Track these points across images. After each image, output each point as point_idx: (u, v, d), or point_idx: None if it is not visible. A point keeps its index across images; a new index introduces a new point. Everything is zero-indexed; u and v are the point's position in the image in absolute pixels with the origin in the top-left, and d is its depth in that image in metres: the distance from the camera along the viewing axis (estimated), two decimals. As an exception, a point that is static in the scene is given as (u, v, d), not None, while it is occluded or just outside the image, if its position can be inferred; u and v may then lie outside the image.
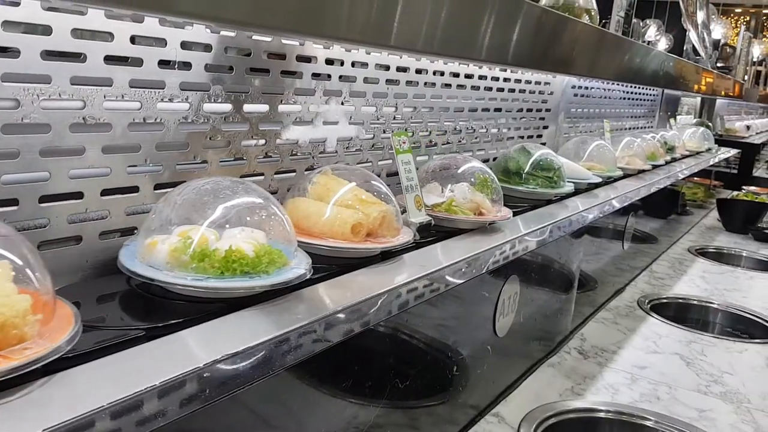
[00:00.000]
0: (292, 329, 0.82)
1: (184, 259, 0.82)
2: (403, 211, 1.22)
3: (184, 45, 0.99)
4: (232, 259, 0.83)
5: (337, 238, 1.05)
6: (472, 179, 1.46)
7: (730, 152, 4.25)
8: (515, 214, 1.56)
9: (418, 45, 0.95)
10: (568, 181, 1.90)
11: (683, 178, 3.07)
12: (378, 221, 1.08)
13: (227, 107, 1.08)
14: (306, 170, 1.28)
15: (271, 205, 0.94)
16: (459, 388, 1.21)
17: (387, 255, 1.12)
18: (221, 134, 1.07)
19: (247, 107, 1.11)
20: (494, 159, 2.02)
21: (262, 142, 1.16)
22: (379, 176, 1.51)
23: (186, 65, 1.00)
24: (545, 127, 2.43)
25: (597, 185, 2.14)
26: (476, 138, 1.97)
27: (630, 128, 3.45)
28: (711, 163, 3.64)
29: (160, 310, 0.83)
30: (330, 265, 1.02)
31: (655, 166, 2.85)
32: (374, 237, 1.09)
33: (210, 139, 1.06)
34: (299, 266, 0.90)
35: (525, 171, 1.79)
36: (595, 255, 2.06)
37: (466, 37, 1.08)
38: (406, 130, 1.62)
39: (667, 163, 3.06)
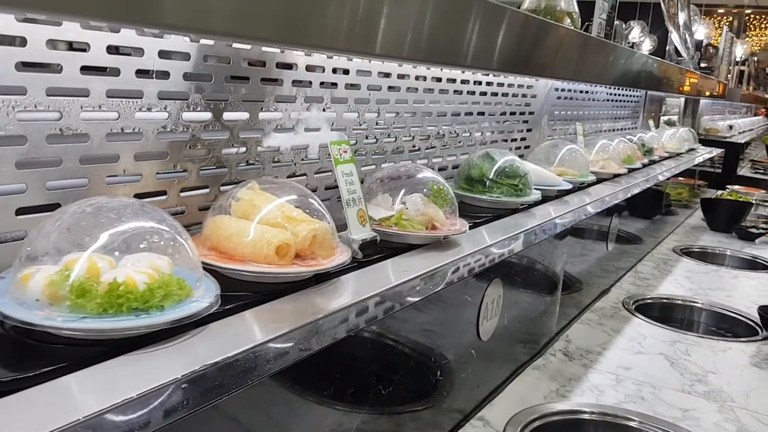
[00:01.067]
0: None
1: (62, 294, 0.70)
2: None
3: (162, 54, 0.99)
4: (117, 294, 0.70)
5: (260, 261, 0.93)
6: (425, 190, 1.35)
7: (712, 152, 4.26)
8: (476, 225, 1.50)
9: (403, 52, 0.96)
10: (537, 188, 1.82)
11: (660, 182, 2.96)
12: (308, 240, 0.97)
13: (207, 116, 1.08)
14: (288, 176, 1.28)
15: (171, 228, 0.82)
16: (443, 393, 1.22)
17: (322, 277, 1.01)
18: (201, 143, 1.07)
19: (228, 115, 1.11)
20: None
21: (243, 149, 1.16)
22: (362, 182, 1.52)
23: (164, 74, 1.00)
24: (529, 130, 2.44)
25: (568, 192, 2.04)
26: (460, 142, 1.98)
27: (614, 130, 3.47)
28: (690, 165, 3.59)
29: (32, 355, 0.70)
30: (254, 293, 0.91)
31: (631, 170, 2.76)
32: (305, 258, 0.97)
33: (190, 147, 1.05)
34: (204, 298, 0.78)
35: (489, 179, 1.68)
36: (580, 256, 2.07)
37: (451, 44, 1.10)
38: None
39: (644, 166, 2.98)
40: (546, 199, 1.89)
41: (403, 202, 1.31)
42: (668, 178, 3.11)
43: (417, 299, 1.09)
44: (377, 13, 0.87)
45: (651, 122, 3.74)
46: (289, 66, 1.24)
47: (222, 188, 1.13)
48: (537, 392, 1.50)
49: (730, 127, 5.45)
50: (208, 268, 0.88)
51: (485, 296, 1.32)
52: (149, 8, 0.58)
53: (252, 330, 0.84)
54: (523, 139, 2.41)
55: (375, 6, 0.87)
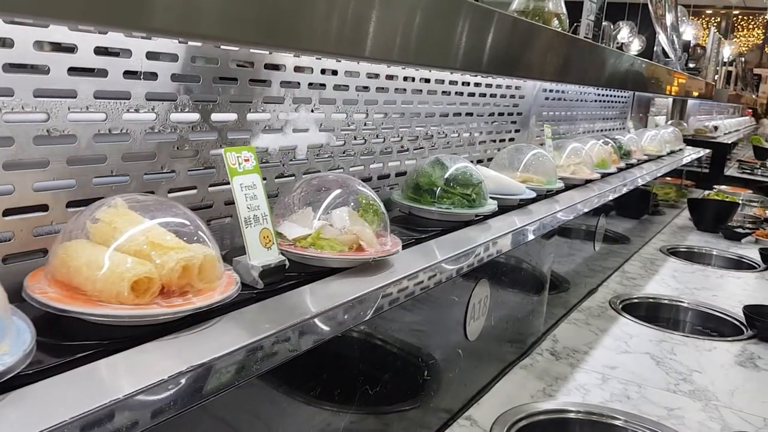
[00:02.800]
0: None
1: None
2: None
3: (150, 55, 0.99)
4: None
5: (112, 300, 0.76)
6: (354, 203, 1.17)
7: (695, 154, 4.25)
8: (419, 240, 1.36)
9: (393, 55, 0.97)
10: (497, 197, 1.68)
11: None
12: (176, 273, 0.79)
13: (195, 117, 1.08)
14: (276, 177, 1.29)
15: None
16: (431, 393, 1.23)
17: (202, 316, 0.84)
18: (189, 144, 1.08)
19: (216, 116, 1.12)
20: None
21: (231, 150, 1.16)
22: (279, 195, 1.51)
23: (152, 75, 1.00)
24: (517, 131, 2.46)
25: (531, 201, 1.87)
26: (448, 143, 1.99)
27: (602, 130, 3.49)
28: (671, 168, 3.45)
29: None
30: (99, 341, 0.74)
31: (605, 175, 2.59)
32: (180, 294, 0.81)
33: (178, 148, 1.06)
34: (10, 354, 0.63)
35: (439, 188, 1.51)
36: (567, 256, 2.09)
37: (441, 47, 1.11)
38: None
39: (619, 170, 2.81)
40: (506, 209, 1.73)
41: (326, 218, 1.14)
42: (644, 184, 2.91)
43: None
44: (366, 15, 0.88)
45: (630, 123, 3.62)
46: (277, 67, 1.24)
47: (210, 189, 1.14)
48: (524, 391, 1.51)
49: (715, 127, 5.48)
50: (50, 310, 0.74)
51: (472, 296, 1.33)
52: (137, 12, 0.58)
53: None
54: (511, 139, 2.42)
55: (364, 9, 0.88)
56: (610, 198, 2.37)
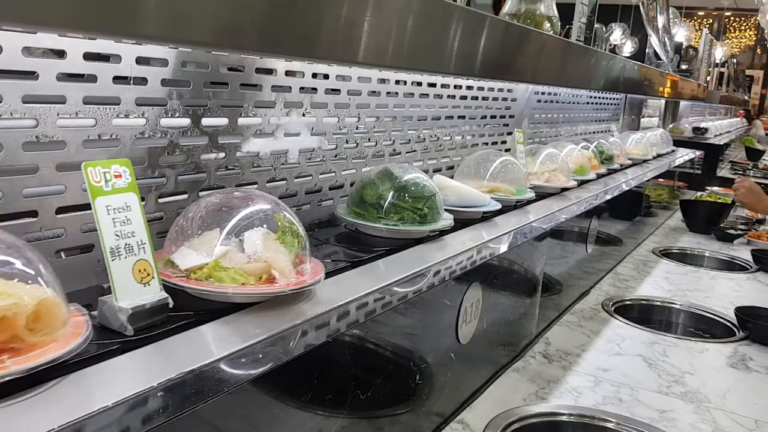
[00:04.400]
0: None
1: None
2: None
3: (140, 60, 0.98)
4: None
5: None
6: (268, 224, 0.99)
7: (688, 156, 4.23)
8: (357, 263, 1.18)
9: (386, 60, 0.98)
10: (457, 210, 1.52)
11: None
12: None
13: (185, 121, 1.08)
14: (267, 182, 1.29)
15: None
16: (423, 397, 1.23)
17: (34, 379, 0.66)
18: (179, 148, 1.07)
19: (206, 121, 1.11)
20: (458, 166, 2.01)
21: (222, 155, 1.16)
22: (341, 187, 1.53)
23: (142, 80, 0.99)
24: (509, 134, 2.46)
25: (497, 213, 1.67)
26: (440, 146, 1.99)
27: (594, 132, 3.50)
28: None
29: None
30: None
31: (583, 182, 2.37)
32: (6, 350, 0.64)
33: (168, 153, 1.05)
34: None
35: (387, 201, 1.33)
36: (560, 258, 2.09)
37: (434, 51, 1.12)
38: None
39: (599, 176, 2.60)
40: (467, 222, 1.56)
41: (235, 242, 0.95)
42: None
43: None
44: (360, 21, 0.88)
45: (613, 126, 3.44)
46: (268, 71, 1.24)
47: (201, 194, 1.13)
48: (517, 394, 1.51)
49: (699, 129, 5.42)
50: None
51: (464, 300, 1.33)
52: (127, 19, 0.58)
53: None
54: (503, 142, 2.43)
55: (357, 15, 0.88)
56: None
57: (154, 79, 1.01)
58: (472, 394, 1.46)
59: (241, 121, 1.19)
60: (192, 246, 0.94)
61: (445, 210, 1.45)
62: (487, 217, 1.64)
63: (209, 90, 1.11)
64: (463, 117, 2.11)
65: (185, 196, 1.10)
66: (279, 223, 1.00)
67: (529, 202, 1.91)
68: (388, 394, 1.12)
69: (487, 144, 2.31)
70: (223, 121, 1.15)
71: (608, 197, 2.38)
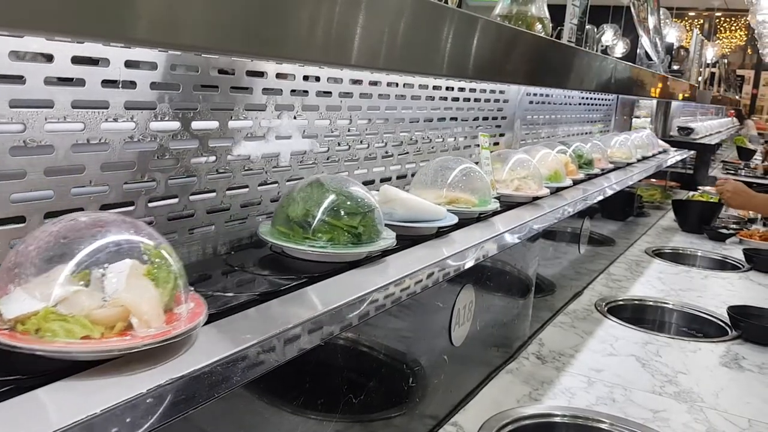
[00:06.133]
0: None
1: None
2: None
3: (129, 64, 0.98)
4: None
5: None
6: (131, 258, 0.79)
7: (677, 157, 4.19)
8: (268, 295, 0.99)
9: (379, 63, 0.98)
10: (408, 225, 1.36)
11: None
12: None
13: (175, 125, 1.07)
14: (259, 185, 1.28)
15: None
16: (416, 400, 1.22)
17: None
18: (169, 152, 1.07)
19: (196, 124, 1.11)
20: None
21: (213, 158, 1.16)
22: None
23: (131, 84, 0.99)
24: (502, 135, 2.46)
25: (454, 227, 1.47)
26: (433, 147, 1.99)
27: (586, 133, 3.51)
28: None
29: None
30: None
31: (558, 189, 2.18)
32: None
33: (158, 157, 1.05)
34: None
35: (316, 219, 1.14)
36: (553, 259, 2.09)
37: (426, 54, 1.11)
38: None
39: (575, 183, 2.35)
40: (419, 239, 1.37)
41: (92, 277, 0.76)
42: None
43: None
44: (353, 24, 0.88)
45: (594, 128, 3.24)
46: (259, 74, 1.24)
47: (192, 198, 1.13)
48: (510, 396, 1.51)
49: (684, 129, 5.35)
50: None
51: (457, 302, 1.33)
52: (118, 23, 0.58)
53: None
54: (496, 143, 2.43)
55: (350, 17, 0.88)
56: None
57: (144, 82, 1.01)
58: (466, 396, 1.45)
59: (231, 124, 1.19)
60: (28, 288, 0.74)
61: (395, 225, 1.30)
62: (443, 232, 1.44)
63: (199, 93, 1.11)
64: (455, 119, 2.11)
65: (176, 200, 1.10)
66: (148, 255, 0.80)
67: (495, 213, 1.71)
68: (380, 397, 1.12)
69: (479, 146, 2.31)
70: (213, 124, 1.15)
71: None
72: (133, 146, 1.01)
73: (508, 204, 1.85)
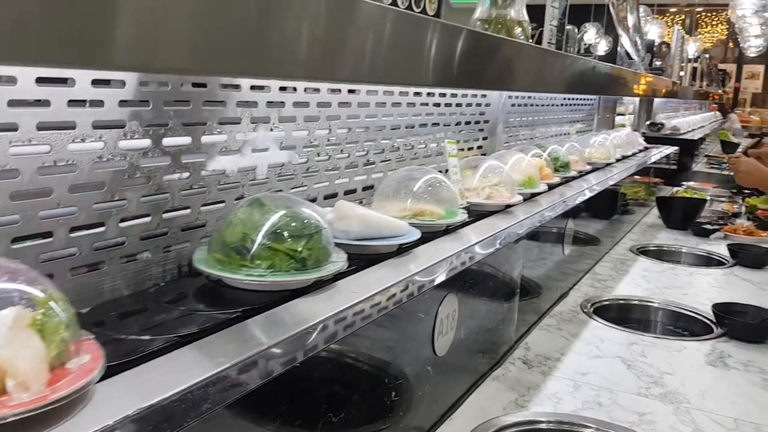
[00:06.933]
0: None
1: None
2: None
3: (96, 82, 0.96)
4: None
5: None
6: (14, 306, 0.68)
7: (658, 154, 4.16)
8: (193, 337, 0.87)
9: (363, 76, 0.97)
10: (365, 243, 1.25)
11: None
12: None
13: (146, 142, 1.05)
14: (236, 200, 1.27)
15: None
16: (399, 413, 1.21)
17: None
18: (140, 170, 1.05)
19: (168, 141, 1.09)
20: (443, 171, 1.87)
21: (186, 174, 1.14)
22: (314, 201, 1.51)
23: (98, 103, 0.97)
24: (485, 138, 2.46)
25: (418, 243, 1.36)
26: (416, 154, 1.98)
27: (568, 133, 3.51)
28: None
29: None
30: None
31: (533, 195, 2.09)
32: None
33: (128, 176, 1.03)
34: None
35: (255, 243, 1.03)
36: (537, 261, 2.09)
37: (410, 65, 1.11)
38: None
39: (551, 187, 2.25)
40: (377, 259, 1.26)
41: None
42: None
43: None
44: (335, 39, 0.88)
45: (571, 129, 3.13)
46: (233, 86, 1.22)
47: (165, 215, 1.11)
48: (497, 403, 1.50)
49: (654, 125, 5.26)
50: None
51: (439, 312, 1.32)
52: (98, 51, 0.56)
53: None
54: (479, 147, 2.43)
55: (334, 33, 0.88)
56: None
57: (112, 100, 0.99)
58: (452, 405, 1.44)
59: (205, 139, 1.17)
60: None
61: (350, 245, 1.22)
62: (405, 249, 1.33)
63: (170, 109, 1.09)
64: (438, 124, 2.10)
65: (149, 219, 1.08)
66: (35, 303, 0.69)
67: (464, 224, 1.62)
68: (362, 414, 1.10)
69: (462, 150, 2.30)
70: (186, 140, 1.13)
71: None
72: (103, 166, 0.99)
73: (479, 213, 1.75)
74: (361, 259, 1.22)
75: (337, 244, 1.18)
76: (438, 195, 1.56)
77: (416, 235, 1.36)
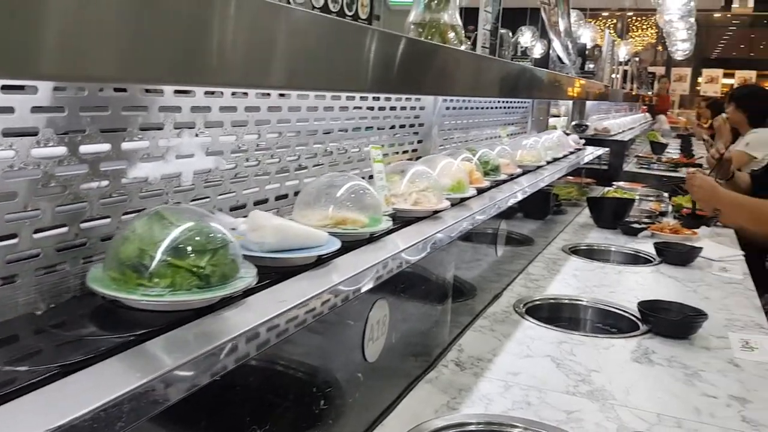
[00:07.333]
0: None
1: None
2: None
3: (6, 88, 0.92)
4: None
5: None
6: None
7: (587, 156, 4.21)
8: (74, 366, 0.77)
9: (298, 83, 0.96)
10: (281, 256, 1.17)
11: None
12: None
13: (61, 150, 1.01)
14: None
15: None
16: (329, 422, 1.21)
17: None
18: (56, 179, 1.01)
19: (85, 148, 1.05)
20: (371, 176, 1.82)
21: (105, 183, 1.10)
22: (244, 207, 1.49)
23: (8, 110, 0.93)
24: (420, 142, 2.48)
25: (338, 252, 1.28)
26: (349, 158, 1.98)
27: (498, 137, 3.58)
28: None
29: None
30: None
31: (462, 200, 2.04)
32: None
33: (42, 186, 0.99)
34: None
35: (155, 260, 0.94)
36: (472, 262, 2.12)
37: (348, 72, 1.12)
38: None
39: (480, 192, 2.20)
40: (294, 271, 1.17)
41: None
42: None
43: None
44: (271, 45, 0.87)
45: (501, 131, 3.11)
46: (155, 91, 1.19)
47: (83, 225, 1.07)
48: (429, 407, 1.52)
49: (579, 126, 5.35)
50: None
51: (369, 318, 1.32)
52: (21, 58, 0.54)
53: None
54: (414, 150, 2.44)
55: (272, 39, 0.87)
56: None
57: (23, 107, 0.95)
58: (384, 411, 1.45)
59: (125, 145, 1.13)
60: None
61: (265, 257, 1.15)
62: (324, 260, 1.25)
63: (88, 115, 1.05)
64: (371, 128, 2.10)
65: (65, 229, 1.04)
66: None
67: (390, 231, 1.54)
68: (288, 425, 1.09)
69: (397, 153, 2.31)
70: (104, 147, 1.09)
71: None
72: (14, 176, 0.94)
73: (405, 220, 1.69)
74: (278, 272, 1.14)
75: (251, 257, 1.12)
76: (361, 202, 1.49)
77: (336, 245, 1.28)
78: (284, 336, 1.00)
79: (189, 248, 0.96)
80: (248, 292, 1.03)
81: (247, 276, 1.03)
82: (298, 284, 1.14)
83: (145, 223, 0.99)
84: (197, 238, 0.98)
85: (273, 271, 1.13)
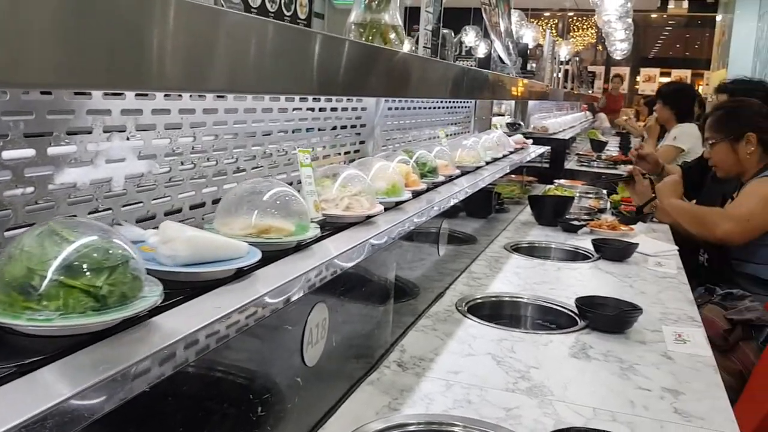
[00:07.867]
0: None
1: None
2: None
3: None
4: None
5: None
6: None
7: (533, 154, 4.32)
8: None
9: (240, 86, 0.95)
10: (195, 270, 1.07)
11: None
12: None
13: (-20, 157, 0.97)
14: (89, 213, 1.20)
15: None
16: (267, 427, 1.20)
17: None
18: (-25, 187, 0.97)
19: (7, 154, 1.02)
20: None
21: (31, 189, 1.07)
22: (179, 211, 1.46)
23: None
24: (362, 142, 2.48)
25: (258, 264, 1.18)
26: (289, 159, 1.96)
27: (447, 135, 3.61)
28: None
29: None
30: None
31: (397, 203, 1.96)
32: None
33: (-40, 194, 0.95)
34: None
35: (45, 280, 0.83)
36: (415, 262, 2.13)
37: (292, 75, 1.10)
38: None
39: (416, 194, 2.13)
40: (211, 285, 1.08)
41: None
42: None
43: None
44: (212, 48, 0.86)
45: (441, 133, 3.06)
46: (82, 94, 1.16)
47: (7, 234, 1.03)
48: (370, 409, 1.52)
49: (512, 125, 5.38)
50: None
51: (308, 322, 1.31)
52: None
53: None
54: (356, 151, 2.44)
55: (211, 42, 0.85)
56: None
57: (-63, 112, 0.90)
58: (325, 414, 1.45)
59: (51, 150, 1.10)
60: None
61: (179, 272, 1.06)
62: (245, 272, 1.16)
63: (9, 119, 1.01)
64: (312, 129, 2.09)
65: (-14, 239, 1.00)
66: None
67: (318, 239, 1.46)
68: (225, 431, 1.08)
69: (339, 154, 2.31)
70: (28, 152, 1.06)
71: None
72: (-73, 184, 0.90)
73: (336, 226, 1.62)
74: (193, 287, 1.05)
75: (163, 272, 1.03)
76: (287, 209, 1.38)
77: (257, 256, 1.18)
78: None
79: (84, 266, 0.86)
80: (156, 311, 0.93)
81: (152, 294, 0.93)
82: (212, 300, 1.04)
83: (34, 239, 0.87)
84: (94, 255, 0.87)
85: (188, 287, 1.05)
